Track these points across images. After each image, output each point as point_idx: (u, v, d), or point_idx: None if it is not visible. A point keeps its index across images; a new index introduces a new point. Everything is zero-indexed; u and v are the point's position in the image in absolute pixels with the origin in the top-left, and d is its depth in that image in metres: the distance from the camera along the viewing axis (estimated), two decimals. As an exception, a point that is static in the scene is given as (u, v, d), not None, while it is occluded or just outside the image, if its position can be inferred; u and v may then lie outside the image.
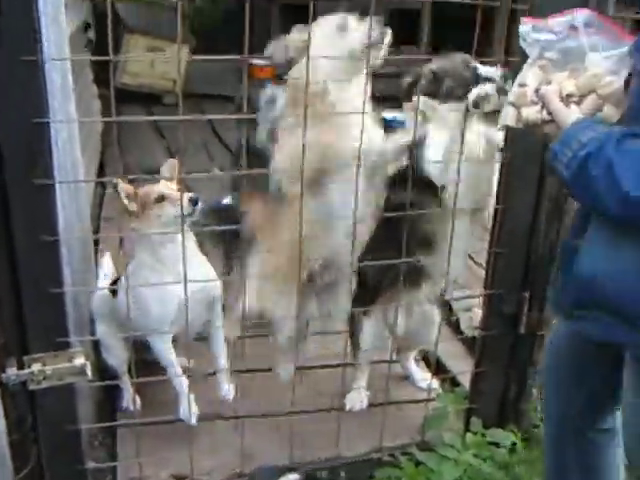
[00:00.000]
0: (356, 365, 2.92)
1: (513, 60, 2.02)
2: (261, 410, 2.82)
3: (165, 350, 2.59)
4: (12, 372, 1.93)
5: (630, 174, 1.41)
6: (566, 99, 1.60)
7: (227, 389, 2.70)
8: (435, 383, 2.94)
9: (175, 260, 2.29)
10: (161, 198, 2.40)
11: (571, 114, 1.58)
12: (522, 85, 1.67)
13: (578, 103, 1.60)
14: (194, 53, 8.17)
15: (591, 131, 1.51)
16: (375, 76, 2.36)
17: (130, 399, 2.86)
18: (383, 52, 2.49)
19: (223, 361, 2.72)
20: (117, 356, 2.81)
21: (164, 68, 7.58)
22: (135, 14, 7.70)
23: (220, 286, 2.64)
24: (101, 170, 5.51)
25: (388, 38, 2.48)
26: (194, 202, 2.37)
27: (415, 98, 2.67)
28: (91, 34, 6.19)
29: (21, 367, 1.95)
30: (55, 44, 2.15)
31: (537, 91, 1.63)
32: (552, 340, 2.15)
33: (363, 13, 2.58)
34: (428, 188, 2.50)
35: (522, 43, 1.69)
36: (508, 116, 1.71)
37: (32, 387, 1.96)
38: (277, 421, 2.74)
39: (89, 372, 2.00)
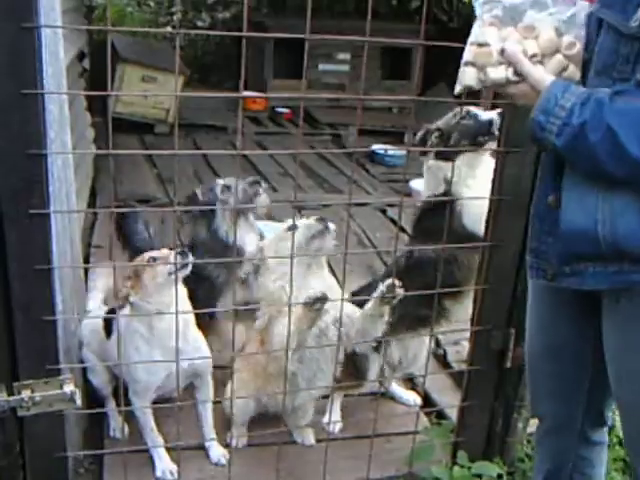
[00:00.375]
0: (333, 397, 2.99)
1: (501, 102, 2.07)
2: (249, 440, 2.83)
3: (142, 410, 2.62)
4: (2, 398, 1.94)
5: (635, 138, 1.41)
6: (530, 59, 1.58)
7: (219, 456, 2.73)
8: (418, 399, 3.15)
9: (169, 334, 2.30)
10: (152, 259, 2.46)
11: (545, 76, 1.57)
12: (482, 44, 1.62)
13: (541, 63, 1.59)
14: (188, 83, 8.26)
15: (571, 95, 1.51)
16: (366, 110, 2.40)
17: (118, 427, 2.86)
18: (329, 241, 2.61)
19: (211, 432, 2.75)
20: (102, 380, 2.84)
21: (157, 98, 7.65)
22: (129, 44, 7.79)
23: (210, 363, 2.67)
24: (92, 196, 5.54)
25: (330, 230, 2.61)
26: (184, 255, 2.42)
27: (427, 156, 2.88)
28: (86, 63, 6.27)
29: (10, 393, 1.96)
30: (53, 75, 2.19)
31: (502, 51, 1.60)
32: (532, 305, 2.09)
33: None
34: (467, 240, 2.61)
35: (473, 2, 1.65)
36: (468, 76, 1.64)
37: (21, 413, 1.97)
38: (265, 451, 2.75)
39: (78, 400, 2.01)
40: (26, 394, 1.95)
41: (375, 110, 8.76)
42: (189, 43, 10.55)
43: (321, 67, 9.21)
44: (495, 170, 2.37)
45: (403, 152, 7.35)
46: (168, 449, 2.65)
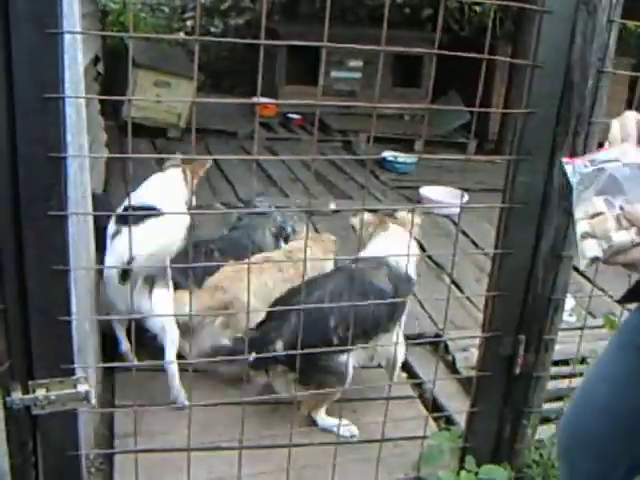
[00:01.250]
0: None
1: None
2: (259, 442, 2.85)
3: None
4: (16, 396, 1.97)
5: None
6: None
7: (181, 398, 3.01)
8: (355, 430, 3.08)
9: None
10: None
11: None
12: (595, 215, 1.57)
13: None
14: (200, 89, 8.30)
15: None
16: (377, 117, 2.43)
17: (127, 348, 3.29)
18: None
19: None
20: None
21: (169, 103, 7.70)
22: (143, 49, 7.84)
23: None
24: (105, 200, 5.57)
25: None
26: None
27: None
28: (100, 67, 6.33)
29: (25, 392, 1.98)
30: (71, 79, 2.22)
31: (618, 216, 1.54)
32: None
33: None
34: None
35: (571, 179, 1.62)
36: (589, 249, 1.58)
37: (35, 412, 2.00)
38: (273, 453, 2.78)
39: (92, 399, 2.04)
40: (41, 393, 1.98)
41: (386, 117, 8.79)
42: (202, 48, 10.58)
43: (333, 74, 9.24)
44: (507, 178, 2.38)
45: (413, 159, 7.37)
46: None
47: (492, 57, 2.15)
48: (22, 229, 1.83)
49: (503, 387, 2.62)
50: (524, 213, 2.38)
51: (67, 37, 1.94)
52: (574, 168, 1.63)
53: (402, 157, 7.47)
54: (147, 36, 8.48)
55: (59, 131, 1.77)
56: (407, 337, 3.70)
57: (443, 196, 6.19)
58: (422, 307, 4.25)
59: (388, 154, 7.44)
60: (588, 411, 2.02)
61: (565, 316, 2.70)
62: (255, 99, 7.36)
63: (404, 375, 3.64)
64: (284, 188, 6.54)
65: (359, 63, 9.37)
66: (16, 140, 1.73)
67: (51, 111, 1.73)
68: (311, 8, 10.28)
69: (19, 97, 1.69)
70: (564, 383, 3.10)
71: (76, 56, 2.36)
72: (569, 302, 3.61)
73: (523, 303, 2.50)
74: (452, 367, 3.62)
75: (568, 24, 2.18)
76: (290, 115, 9.05)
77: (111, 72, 7.42)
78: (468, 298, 4.40)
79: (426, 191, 6.24)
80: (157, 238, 2.88)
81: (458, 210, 2.93)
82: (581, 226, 1.60)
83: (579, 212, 1.61)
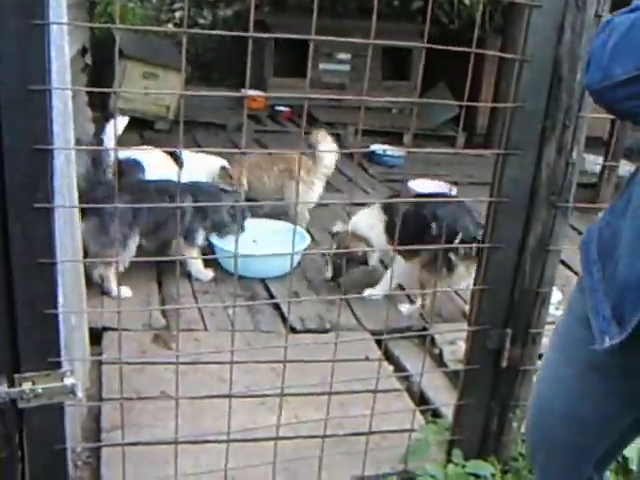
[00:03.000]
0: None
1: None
2: (245, 435, 2.85)
3: None
4: (2, 389, 1.95)
5: None
6: None
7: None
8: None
9: None
10: None
11: None
12: None
13: None
14: (188, 81, 8.26)
15: None
16: (366, 110, 2.43)
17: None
18: None
19: None
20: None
21: (157, 94, 7.66)
22: (131, 41, 7.80)
23: None
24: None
25: None
26: None
27: None
28: (88, 58, 6.29)
29: (11, 385, 1.98)
30: (58, 71, 2.20)
31: None
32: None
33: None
34: None
35: None
36: None
37: (22, 405, 1.99)
38: (260, 446, 2.78)
39: (79, 392, 2.03)
40: (27, 386, 1.97)
41: (374, 110, 8.77)
42: (190, 40, 10.52)
43: (322, 67, 9.21)
44: (494, 172, 2.39)
45: (402, 152, 7.37)
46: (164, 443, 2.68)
47: (481, 51, 2.15)
48: (7, 221, 1.82)
49: (490, 380, 2.63)
50: (512, 207, 2.38)
51: (53, 28, 1.93)
52: None
53: (391, 150, 7.47)
54: (134, 28, 8.42)
55: (45, 123, 1.76)
56: (394, 330, 3.72)
57: (431, 190, 6.19)
58: (410, 301, 4.27)
59: (377, 147, 7.44)
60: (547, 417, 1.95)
61: (552, 310, 2.70)
62: (243, 92, 7.34)
63: (391, 368, 3.65)
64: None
65: (348, 56, 9.35)
66: (2, 132, 1.71)
67: (37, 103, 1.72)
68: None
69: (4, 88, 1.68)
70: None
71: (63, 47, 2.35)
72: (556, 295, 3.62)
73: (510, 296, 2.51)
74: (439, 360, 3.63)
75: (557, 18, 2.18)
76: (278, 108, 9.03)
77: (99, 64, 7.38)
78: (455, 291, 4.41)
79: (415, 184, 6.24)
80: None
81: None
82: None
83: None
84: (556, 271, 2.56)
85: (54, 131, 1.88)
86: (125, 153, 4.57)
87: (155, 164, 4.57)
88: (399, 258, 3.97)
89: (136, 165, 4.52)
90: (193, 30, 9.67)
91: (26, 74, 1.68)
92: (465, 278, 3.87)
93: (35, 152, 1.76)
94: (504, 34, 7.78)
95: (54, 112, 1.88)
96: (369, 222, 4.15)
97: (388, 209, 4.12)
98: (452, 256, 3.78)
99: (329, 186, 6.58)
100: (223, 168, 5.10)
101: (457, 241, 3.70)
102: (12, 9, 1.62)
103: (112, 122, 4.22)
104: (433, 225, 3.81)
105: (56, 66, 2.08)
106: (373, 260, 4.35)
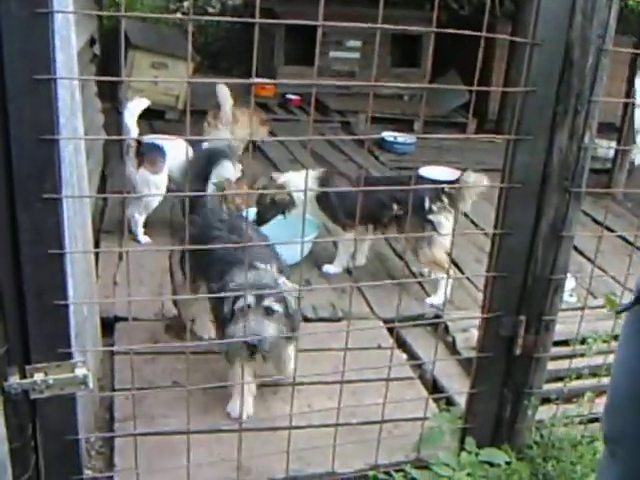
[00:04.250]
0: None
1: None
2: (259, 424, 2.85)
3: None
4: (14, 381, 1.96)
5: None
6: None
7: None
8: None
9: None
10: None
11: None
12: None
13: None
14: (198, 70, 8.24)
15: None
16: (376, 97, 2.40)
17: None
18: None
19: None
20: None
21: (167, 84, 7.64)
22: (140, 30, 7.77)
23: None
24: (103, 182, 5.56)
25: None
26: None
27: None
28: (96, 49, 6.27)
29: (23, 376, 1.98)
30: (65, 61, 2.20)
31: None
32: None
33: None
34: None
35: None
36: None
37: (34, 396, 1.99)
38: (273, 435, 2.77)
39: (91, 383, 2.03)
40: (39, 377, 1.97)
41: (385, 97, 8.72)
42: (199, 29, 10.50)
43: (331, 54, 9.17)
44: (505, 158, 2.36)
45: (413, 139, 7.33)
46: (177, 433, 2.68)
47: (491, 35, 2.13)
48: (16, 212, 1.81)
49: (503, 368, 2.62)
50: (523, 193, 2.36)
51: (59, 17, 1.92)
52: None
53: (401, 137, 7.43)
54: (141, 15, 8.41)
55: (51, 113, 1.75)
56: (407, 318, 3.71)
57: (442, 176, 6.15)
58: (422, 288, 4.25)
59: (387, 134, 7.40)
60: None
61: (565, 296, 2.69)
62: (255, 80, 7.32)
63: (404, 356, 3.64)
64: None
65: (357, 43, 9.29)
66: (8, 122, 1.70)
67: (42, 93, 1.71)
68: (309, -13, 10.19)
69: (9, 78, 1.67)
70: (564, 364, 3.09)
71: (69, 37, 2.33)
72: (569, 282, 3.60)
73: (523, 283, 2.49)
74: (452, 348, 3.61)
75: (568, 1, 2.15)
76: (288, 96, 9.00)
77: (108, 54, 7.36)
78: (468, 278, 4.39)
79: (425, 171, 6.20)
80: None
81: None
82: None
83: None
84: (569, 257, 2.53)
85: (60, 121, 1.87)
86: (148, 137, 4.74)
87: (175, 150, 4.67)
88: (341, 230, 4.33)
89: (157, 149, 4.61)
90: (199, 17, 9.64)
91: (31, 63, 1.67)
92: (447, 227, 4.06)
93: (41, 142, 1.75)
94: (514, 20, 7.71)
95: (60, 102, 1.87)
96: (299, 186, 4.21)
97: (325, 184, 4.31)
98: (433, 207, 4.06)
99: (338, 173, 6.58)
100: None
101: (426, 205, 4.05)
102: (15, -2, 1.61)
103: (136, 100, 4.54)
104: (395, 206, 4.16)
105: (62, 56, 2.07)
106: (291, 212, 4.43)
